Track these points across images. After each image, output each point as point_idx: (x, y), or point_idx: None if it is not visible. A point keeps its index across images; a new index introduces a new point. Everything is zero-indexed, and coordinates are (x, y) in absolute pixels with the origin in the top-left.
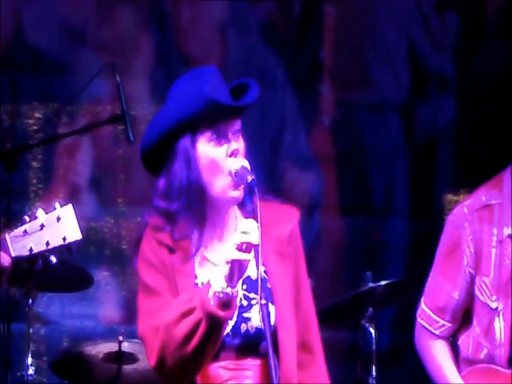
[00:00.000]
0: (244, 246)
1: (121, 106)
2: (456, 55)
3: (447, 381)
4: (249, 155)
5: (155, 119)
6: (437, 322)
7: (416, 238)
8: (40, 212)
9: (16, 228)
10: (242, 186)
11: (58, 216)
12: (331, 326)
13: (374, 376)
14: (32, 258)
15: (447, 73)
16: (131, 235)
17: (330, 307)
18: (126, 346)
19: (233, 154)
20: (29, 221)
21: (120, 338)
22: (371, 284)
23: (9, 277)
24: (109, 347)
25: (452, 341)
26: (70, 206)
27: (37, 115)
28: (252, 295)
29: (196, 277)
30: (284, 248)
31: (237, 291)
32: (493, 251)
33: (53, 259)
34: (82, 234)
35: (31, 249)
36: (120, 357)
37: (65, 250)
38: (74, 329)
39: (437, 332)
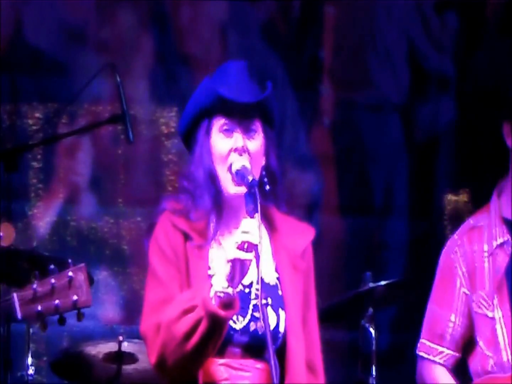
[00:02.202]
0: (245, 246)
1: (121, 106)
2: (456, 55)
3: None
4: (277, 160)
5: (188, 102)
6: (436, 349)
7: (416, 238)
8: (52, 269)
9: (25, 288)
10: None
11: (71, 277)
12: (331, 326)
13: (374, 376)
14: (40, 319)
15: (447, 73)
16: (131, 235)
17: (330, 307)
18: (126, 346)
19: (237, 150)
20: (40, 280)
21: (120, 338)
22: (371, 284)
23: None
24: (109, 347)
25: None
26: (82, 266)
27: (37, 115)
28: (259, 291)
29: (209, 268)
30: (297, 261)
31: (244, 293)
32: (486, 265)
33: (62, 322)
34: (91, 299)
35: (39, 311)
36: (120, 357)
37: (74, 313)
38: (74, 329)
39: (436, 358)
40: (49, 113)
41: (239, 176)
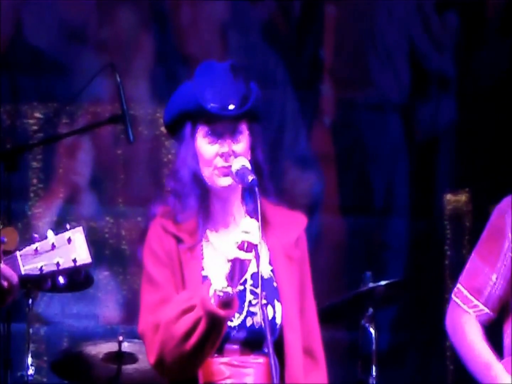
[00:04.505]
0: (245, 245)
1: (121, 106)
2: (457, 55)
3: (480, 360)
4: (264, 156)
5: (174, 95)
6: (471, 301)
7: (416, 238)
8: (50, 233)
9: (27, 246)
10: (235, 178)
11: (69, 237)
12: (331, 326)
13: (374, 376)
14: (42, 277)
15: (448, 73)
16: (131, 235)
17: (330, 307)
18: (126, 346)
19: (222, 156)
20: (40, 240)
21: (120, 338)
22: (371, 284)
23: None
24: (109, 347)
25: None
26: (80, 228)
27: (37, 115)
28: (258, 291)
29: (203, 268)
30: (291, 251)
31: (239, 290)
32: None
33: (61, 280)
34: (90, 256)
35: (41, 269)
36: (120, 357)
37: (74, 272)
38: (74, 329)
39: (470, 311)
40: (49, 113)
41: (239, 176)
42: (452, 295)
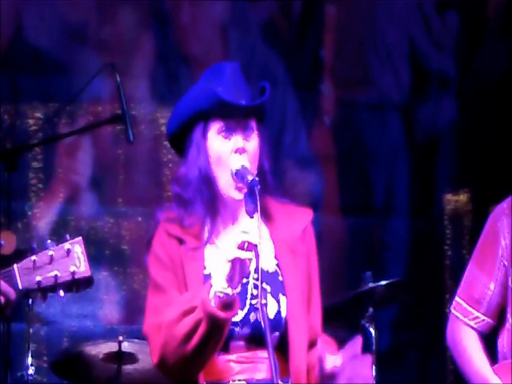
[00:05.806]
0: (245, 245)
1: (121, 106)
2: (457, 55)
3: (478, 375)
4: (269, 158)
5: (179, 102)
6: (472, 313)
7: (416, 238)
8: (49, 243)
9: (24, 259)
10: (244, 186)
11: (68, 249)
12: (331, 326)
13: (374, 376)
14: (40, 291)
15: (448, 73)
16: (131, 235)
17: (330, 307)
18: (126, 346)
19: (237, 151)
20: (38, 252)
21: (120, 338)
22: (371, 284)
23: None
24: (109, 347)
25: (492, 343)
26: (80, 239)
27: (37, 115)
28: (259, 285)
29: (205, 267)
30: (297, 245)
31: (241, 284)
32: None
33: (61, 293)
34: (89, 269)
35: (39, 282)
36: (120, 357)
37: (73, 284)
38: (74, 329)
39: (471, 323)
40: (49, 113)
41: (239, 176)
42: (451, 309)
